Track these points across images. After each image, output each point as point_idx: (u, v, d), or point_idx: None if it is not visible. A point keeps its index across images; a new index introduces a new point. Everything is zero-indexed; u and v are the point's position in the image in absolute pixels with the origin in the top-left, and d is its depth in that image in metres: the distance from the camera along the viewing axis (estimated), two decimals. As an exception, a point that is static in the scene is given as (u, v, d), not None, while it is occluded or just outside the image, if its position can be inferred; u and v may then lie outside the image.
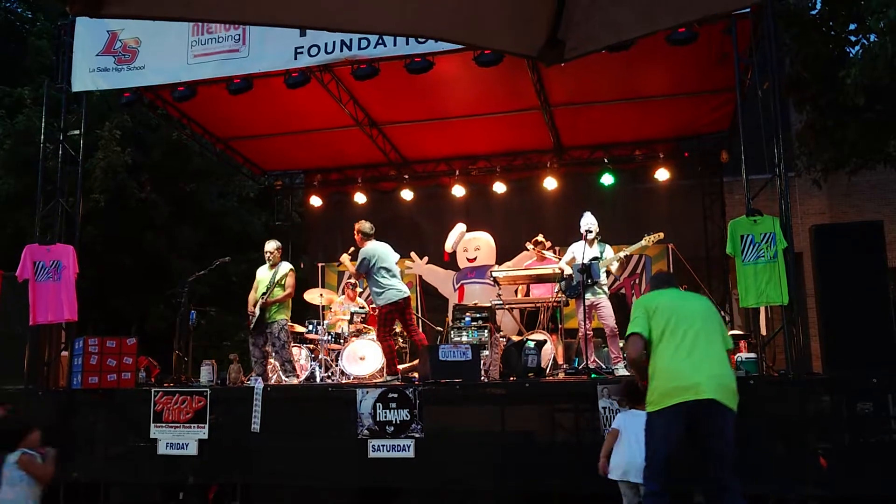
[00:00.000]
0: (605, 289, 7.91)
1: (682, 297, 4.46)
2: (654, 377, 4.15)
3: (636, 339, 4.22)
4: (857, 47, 8.35)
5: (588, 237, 7.94)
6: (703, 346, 4.11)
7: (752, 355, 6.88)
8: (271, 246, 8.34)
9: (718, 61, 7.64)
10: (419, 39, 7.31)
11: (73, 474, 7.09)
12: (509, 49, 1.89)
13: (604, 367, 7.58)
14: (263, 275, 8.28)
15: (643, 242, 7.96)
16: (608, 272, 8.10)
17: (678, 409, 3.93)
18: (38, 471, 4.23)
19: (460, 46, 7.15)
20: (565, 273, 8.14)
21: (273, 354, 8.24)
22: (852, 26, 8.44)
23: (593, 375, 7.08)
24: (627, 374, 6.74)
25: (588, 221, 8.02)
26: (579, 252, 7.90)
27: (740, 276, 6.62)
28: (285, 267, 8.28)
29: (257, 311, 8.03)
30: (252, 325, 8.08)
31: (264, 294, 8.05)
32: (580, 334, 7.82)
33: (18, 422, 4.69)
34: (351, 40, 7.53)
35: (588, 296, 7.68)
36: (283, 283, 8.14)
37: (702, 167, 11.09)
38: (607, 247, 8.07)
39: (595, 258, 7.75)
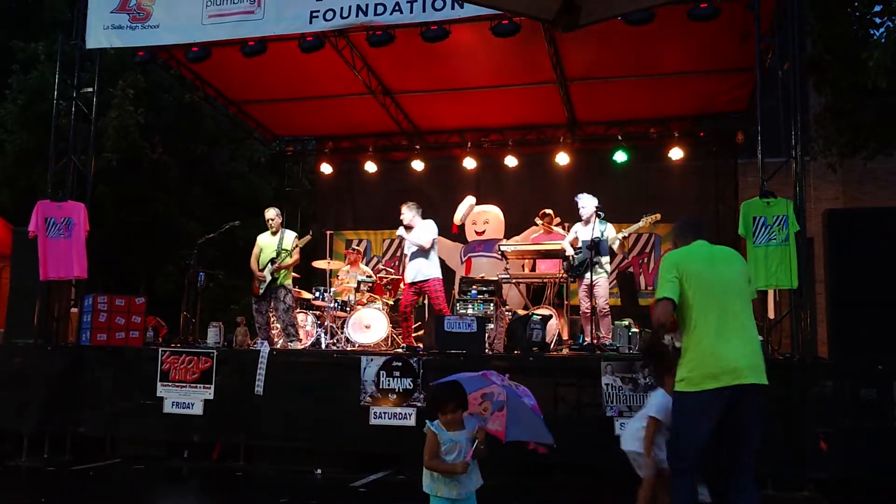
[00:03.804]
0: (608, 267, 7.92)
1: (715, 260, 4.05)
2: (690, 353, 3.91)
3: (667, 304, 3.90)
4: (881, 29, 8.22)
5: (583, 217, 7.98)
6: (740, 320, 3.89)
7: (759, 338, 6.86)
8: (273, 213, 8.40)
9: (741, 39, 7.51)
10: (436, 6, 7.25)
11: (80, 428, 7.21)
12: (525, 11, 1.86)
13: (606, 343, 7.60)
14: (267, 241, 8.32)
15: (641, 223, 7.94)
16: (612, 252, 8.09)
17: (720, 393, 3.75)
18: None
19: (476, 14, 7.09)
20: (567, 253, 8.17)
21: (277, 318, 8.30)
22: (877, 7, 8.29)
23: (602, 352, 7.09)
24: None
25: (583, 203, 8.02)
26: (581, 233, 7.99)
27: (751, 258, 6.57)
28: (290, 234, 8.38)
29: (269, 277, 8.08)
30: (262, 291, 8.13)
31: (273, 260, 8.10)
32: (581, 311, 7.86)
33: None
34: (367, 5, 7.45)
35: (588, 275, 7.73)
36: (290, 249, 8.19)
37: (716, 147, 10.98)
38: (609, 226, 8.03)
39: (596, 238, 7.76)
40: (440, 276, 8.04)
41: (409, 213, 8.11)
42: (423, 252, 7.95)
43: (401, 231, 8.15)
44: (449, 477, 3.35)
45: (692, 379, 3.86)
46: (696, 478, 3.94)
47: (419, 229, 8.04)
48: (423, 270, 7.93)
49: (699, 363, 3.87)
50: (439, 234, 10.79)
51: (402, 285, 8.40)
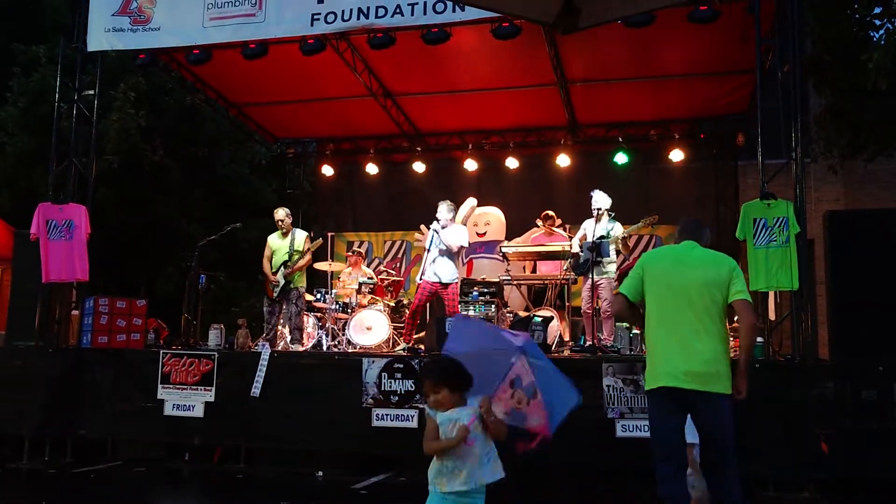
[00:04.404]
0: (612, 268, 7.90)
1: (685, 262, 3.96)
2: (647, 354, 4.01)
3: (620, 300, 4.05)
4: (881, 31, 8.24)
5: (596, 214, 7.95)
6: (695, 325, 3.80)
7: (760, 339, 6.87)
8: (282, 213, 8.36)
9: (741, 41, 7.52)
10: (437, 9, 7.26)
11: (81, 431, 7.21)
12: (525, 14, 1.86)
13: (607, 345, 7.60)
14: (278, 243, 8.31)
15: (639, 224, 7.94)
16: (617, 251, 8.09)
17: (665, 392, 3.80)
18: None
19: (477, 17, 7.10)
20: (574, 250, 8.16)
21: (285, 321, 8.30)
22: (877, 9, 8.31)
23: (604, 353, 7.09)
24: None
25: (595, 199, 8.01)
26: (590, 229, 7.91)
27: (751, 260, 6.58)
28: (301, 234, 8.36)
29: (282, 280, 8.08)
30: (276, 294, 8.13)
31: (286, 262, 8.10)
32: (583, 310, 7.86)
33: None
34: (368, 8, 7.47)
35: (593, 275, 7.72)
36: (301, 249, 8.19)
37: (717, 149, 11.00)
38: (617, 224, 8.04)
39: (603, 236, 7.75)
40: (458, 283, 8.07)
41: (448, 213, 8.01)
42: (450, 254, 7.90)
43: (435, 226, 8.03)
44: (452, 464, 2.81)
45: (647, 377, 3.98)
46: (683, 477, 3.95)
47: (454, 231, 7.97)
48: (447, 272, 7.88)
49: (650, 362, 3.96)
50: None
51: (419, 279, 8.28)
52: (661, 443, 3.89)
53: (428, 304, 8.86)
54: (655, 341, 3.95)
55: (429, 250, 8.05)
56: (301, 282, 8.28)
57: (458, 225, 8.06)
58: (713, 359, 3.79)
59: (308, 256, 8.28)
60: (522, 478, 6.23)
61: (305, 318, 8.85)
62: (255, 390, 6.84)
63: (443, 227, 7.94)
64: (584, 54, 8.61)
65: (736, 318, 4.06)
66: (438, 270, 7.90)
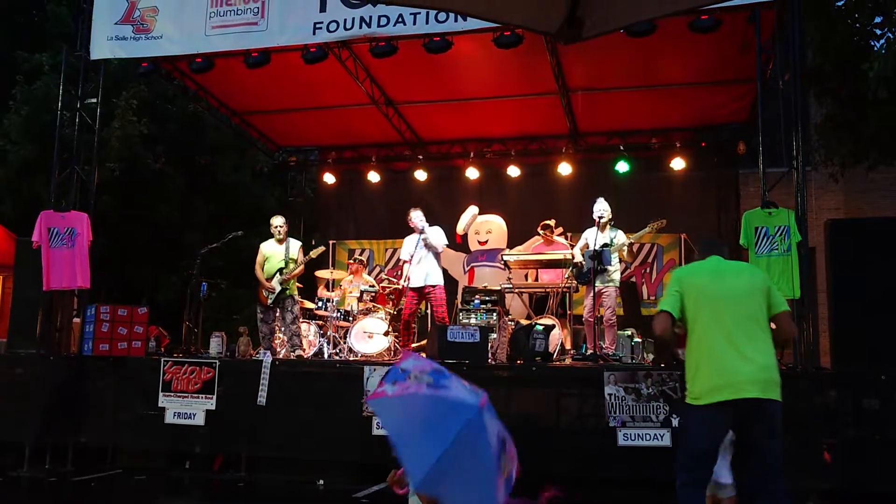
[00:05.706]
0: (616, 276, 7.89)
1: (721, 273, 4.03)
2: (695, 368, 3.92)
3: (665, 317, 3.91)
4: (881, 40, 8.26)
5: (599, 223, 7.94)
6: (746, 333, 3.84)
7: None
8: (280, 221, 8.36)
9: (741, 50, 7.54)
10: (439, 18, 7.28)
11: (82, 439, 7.20)
12: (528, 25, 1.87)
13: (609, 353, 7.58)
14: (273, 250, 8.30)
15: (647, 229, 7.94)
16: (620, 259, 8.08)
17: (723, 407, 3.75)
18: None
19: (479, 26, 7.12)
20: (576, 259, 8.15)
21: (283, 328, 8.29)
22: (878, 19, 8.34)
23: (605, 361, 7.08)
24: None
25: (599, 207, 8.01)
26: (592, 238, 7.91)
27: (752, 268, 6.58)
28: (296, 243, 8.35)
29: (277, 287, 8.07)
30: (270, 301, 8.12)
31: (282, 269, 8.09)
32: (584, 318, 7.86)
33: None
34: (371, 17, 7.49)
35: (597, 283, 7.71)
36: (296, 258, 8.20)
37: (718, 158, 10.98)
38: (619, 233, 8.03)
39: (606, 244, 7.74)
40: (443, 286, 8.13)
41: (424, 219, 8.16)
42: (436, 256, 8.03)
43: (419, 225, 8.09)
44: None
45: (695, 392, 3.90)
46: (702, 489, 3.93)
47: (436, 233, 8.07)
48: (433, 276, 7.98)
49: (702, 377, 3.89)
50: (441, 244, 10.83)
51: (403, 284, 8.35)
52: (695, 455, 3.88)
53: (428, 313, 8.87)
54: (709, 353, 3.88)
55: (410, 259, 8.17)
56: (294, 290, 8.27)
57: (433, 227, 8.18)
58: (771, 365, 3.86)
59: (301, 266, 8.27)
60: (520, 486, 6.23)
61: (306, 325, 8.85)
62: (262, 398, 6.84)
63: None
64: (586, 63, 8.64)
65: None
66: (424, 274, 8.01)
